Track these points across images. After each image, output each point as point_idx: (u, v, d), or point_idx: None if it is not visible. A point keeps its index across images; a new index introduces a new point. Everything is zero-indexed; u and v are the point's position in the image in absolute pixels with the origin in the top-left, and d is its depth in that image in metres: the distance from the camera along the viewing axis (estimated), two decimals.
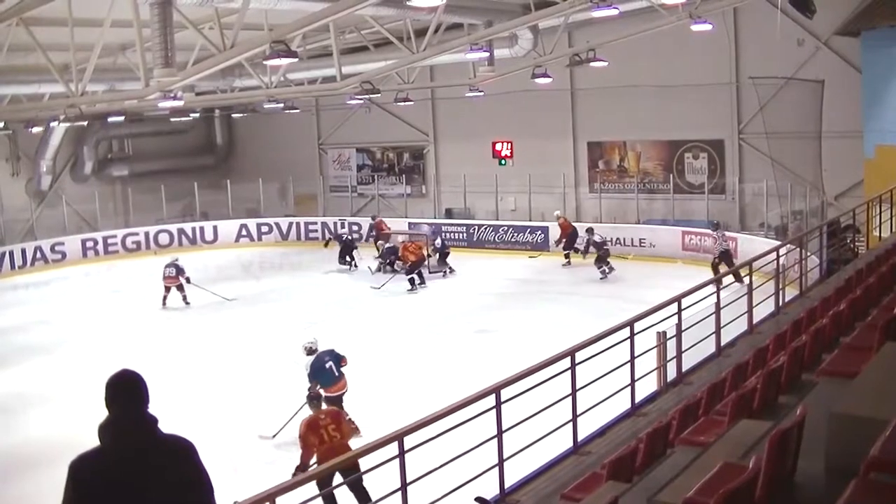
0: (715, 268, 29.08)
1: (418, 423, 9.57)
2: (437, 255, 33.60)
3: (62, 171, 43.85)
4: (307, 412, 14.46)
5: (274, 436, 17.01)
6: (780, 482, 6.37)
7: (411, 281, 31.21)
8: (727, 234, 30.76)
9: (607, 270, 30.84)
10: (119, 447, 5.38)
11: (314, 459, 13.03)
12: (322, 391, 15.97)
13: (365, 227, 39.73)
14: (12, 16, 16.31)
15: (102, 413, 5.47)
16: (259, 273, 35.90)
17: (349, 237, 37.12)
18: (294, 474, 12.72)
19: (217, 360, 23.10)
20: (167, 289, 30.34)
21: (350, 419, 14.03)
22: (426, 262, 32.24)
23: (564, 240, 34.16)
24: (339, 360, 17.35)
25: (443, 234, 35.26)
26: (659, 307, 14.06)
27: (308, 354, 17.51)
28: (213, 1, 18.12)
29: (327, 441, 13.00)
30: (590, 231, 32.56)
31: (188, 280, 30.47)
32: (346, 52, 30.39)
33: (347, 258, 35.99)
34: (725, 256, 29.50)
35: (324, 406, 14.54)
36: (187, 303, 30.26)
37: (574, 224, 34.58)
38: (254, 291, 31.89)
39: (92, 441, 5.43)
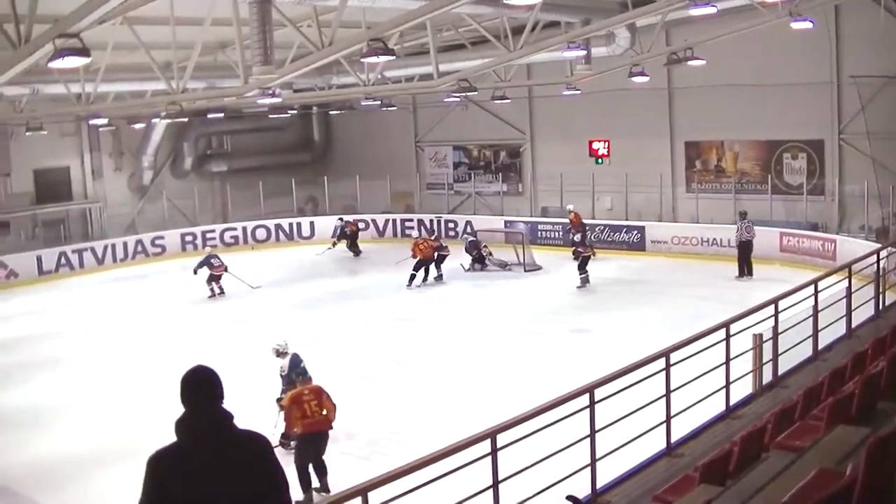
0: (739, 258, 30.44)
1: (511, 421, 9.59)
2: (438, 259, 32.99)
3: (163, 167, 44.55)
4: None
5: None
6: (878, 491, 6.26)
7: (411, 277, 31.65)
8: (754, 226, 31.14)
9: (584, 281, 30.46)
10: (194, 442, 5.50)
11: (297, 430, 14.28)
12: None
13: (462, 225, 40.07)
14: (117, 15, 16.58)
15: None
16: (354, 269, 36.05)
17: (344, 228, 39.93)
18: (280, 443, 14.80)
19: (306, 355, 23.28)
20: (218, 278, 31.86)
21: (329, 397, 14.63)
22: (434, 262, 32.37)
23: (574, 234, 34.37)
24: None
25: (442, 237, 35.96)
26: (755, 309, 13.95)
27: (277, 356, 17.17)
28: None
29: (310, 415, 14.16)
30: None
31: (226, 269, 32.02)
32: (443, 49, 30.40)
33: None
34: (745, 247, 30.44)
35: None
36: (223, 291, 31.93)
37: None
38: (347, 287, 32.09)
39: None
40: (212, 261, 32.15)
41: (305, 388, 14.54)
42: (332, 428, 14.60)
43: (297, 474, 13.86)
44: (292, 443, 14.62)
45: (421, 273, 31.91)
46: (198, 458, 5.42)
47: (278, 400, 16.35)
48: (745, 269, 30.48)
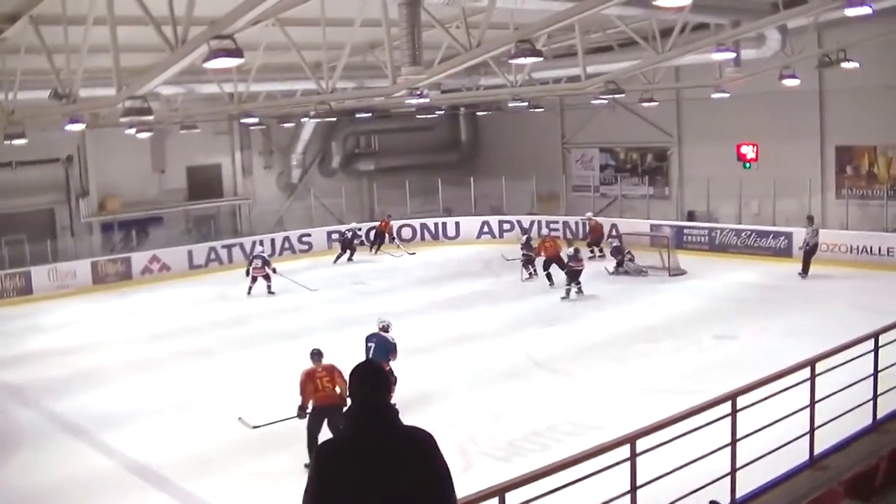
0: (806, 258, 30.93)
1: (652, 426, 9.56)
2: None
3: (311, 165, 45.44)
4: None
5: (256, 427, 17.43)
6: None
7: (548, 276, 31.59)
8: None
9: (568, 293, 30.05)
10: (362, 434, 5.56)
11: (310, 402, 15.95)
12: None
13: (607, 228, 39.95)
14: (269, 17, 16.90)
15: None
16: (499, 270, 36.04)
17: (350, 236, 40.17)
18: (297, 415, 16.04)
19: (452, 355, 23.46)
20: (254, 279, 32.80)
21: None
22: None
23: (591, 238, 37.12)
24: (389, 351, 17.99)
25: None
26: None
27: (382, 331, 18.54)
28: (460, 0, 18.40)
29: (321, 389, 15.85)
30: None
31: (274, 271, 32.97)
32: (590, 51, 30.36)
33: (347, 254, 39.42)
34: (812, 251, 30.89)
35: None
36: (272, 292, 32.65)
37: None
38: (493, 288, 32.07)
39: None
40: (254, 261, 33.33)
41: (320, 367, 16.09)
42: (344, 403, 15.26)
43: (307, 439, 15.69)
44: (307, 412, 16.02)
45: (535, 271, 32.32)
46: (364, 451, 5.49)
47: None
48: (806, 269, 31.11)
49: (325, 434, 15.33)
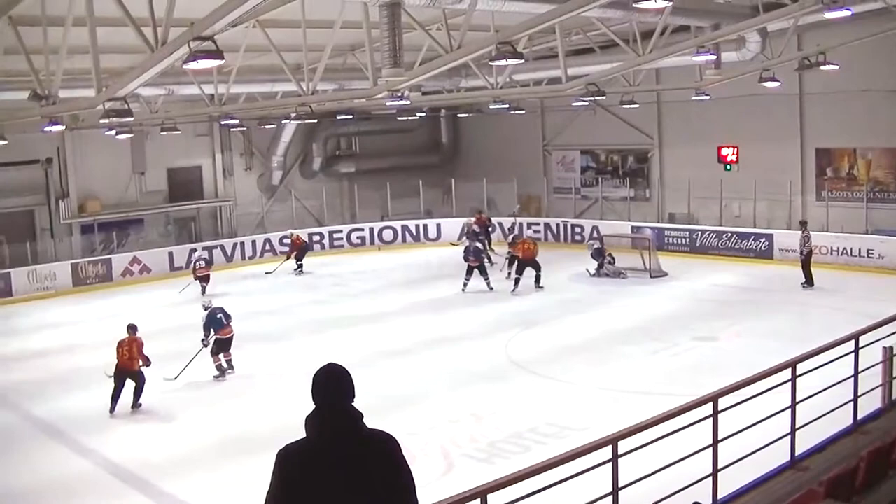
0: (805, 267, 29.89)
1: (633, 427, 9.52)
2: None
3: (292, 167, 45.29)
4: (202, 357, 22.16)
5: (176, 377, 21.68)
6: None
7: (516, 281, 31.61)
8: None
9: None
10: (323, 438, 5.54)
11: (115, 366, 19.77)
12: (216, 335, 21.97)
13: (588, 230, 40.07)
14: (249, 18, 16.85)
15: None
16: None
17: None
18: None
19: (431, 356, 23.45)
20: (205, 278, 33.37)
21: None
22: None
23: (295, 253, 37.63)
24: (229, 316, 22.47)
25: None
26: (886, 321, 13.61)
27: (205, 310, 22.58)
28: (440, 2, 18.38)
29: (121, 357, 19.64)
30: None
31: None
32: (571, 53, 30.36)
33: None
34: (810, 257, 30.11)
35: (212, 345, 22.15)
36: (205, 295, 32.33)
37: None
38: (475, 289, 31.93)
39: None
40: (198, 263, 34.38)
41: (125, 339, 19.79)
42: (140, 368, 19.77)
43: (112, 391, 19.60)
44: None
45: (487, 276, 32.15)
46: (325, 453, 5.47)
47: (202, 340, 22.13)
48: (808, 277, 29.96)
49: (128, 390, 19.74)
